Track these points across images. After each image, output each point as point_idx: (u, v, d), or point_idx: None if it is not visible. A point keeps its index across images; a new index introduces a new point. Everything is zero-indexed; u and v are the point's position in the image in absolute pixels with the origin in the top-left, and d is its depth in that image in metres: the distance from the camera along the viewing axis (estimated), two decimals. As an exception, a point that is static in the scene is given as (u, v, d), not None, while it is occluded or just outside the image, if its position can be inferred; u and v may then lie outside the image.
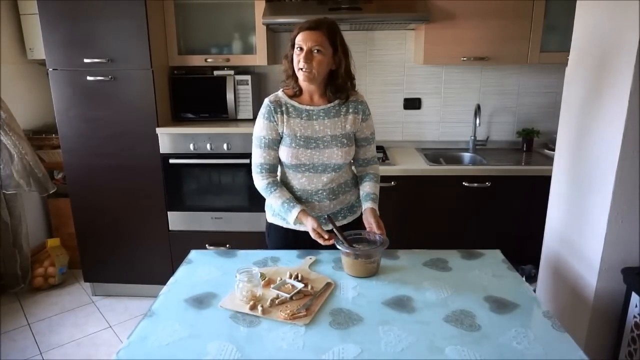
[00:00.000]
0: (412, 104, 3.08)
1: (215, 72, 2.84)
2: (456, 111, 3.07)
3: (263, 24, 2.59)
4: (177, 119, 2.90)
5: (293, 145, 1.62)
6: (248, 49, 2.81)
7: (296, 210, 1.59)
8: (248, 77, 2.81)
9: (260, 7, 2.65)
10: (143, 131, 2.67)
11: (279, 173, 1.74)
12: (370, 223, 1.58)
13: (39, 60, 3.03)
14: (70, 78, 2.62)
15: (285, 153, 1.63)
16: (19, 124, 2.83)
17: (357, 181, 1.78)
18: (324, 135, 1.63)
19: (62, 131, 2.70)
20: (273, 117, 1.62)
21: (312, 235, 1.54)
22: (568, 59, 1.83)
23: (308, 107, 1.64)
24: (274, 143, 1.65)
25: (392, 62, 3.02)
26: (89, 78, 2.60)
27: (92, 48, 2.57)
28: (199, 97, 2.87)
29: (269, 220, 1.79)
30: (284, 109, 1.63)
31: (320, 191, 1.66)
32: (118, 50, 2.56)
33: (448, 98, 3.06)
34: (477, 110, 2.90)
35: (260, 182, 1.66)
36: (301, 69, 1.55)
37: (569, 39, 1.82)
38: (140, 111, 2.64)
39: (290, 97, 1.66)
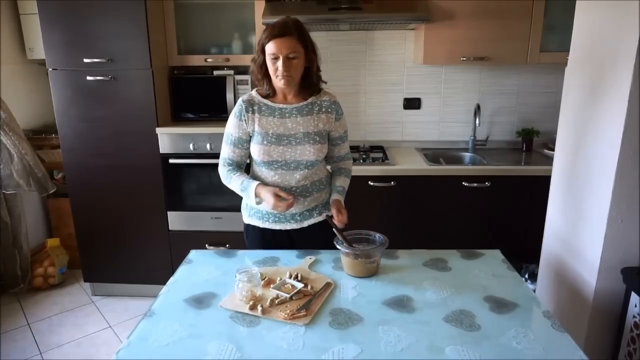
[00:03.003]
0: (412, 104, 3.08)
1: (215, 72, 2.84)
2: (456, 111, 3.07)
3: (263, 24, 2.58)
4: (177, 119, 2.90)
5: (264, 142, 1.64)
6: (248, 49, 2.81)
7: (253, 185, 1.61)
8: (248, 77, 2.81)
9: (260, 7, 2.65)
10: (143, 131, 2.67)
11: (250, 172, 1.77)
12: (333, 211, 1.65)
13: (39, 60, 3.03)
14: (70, 78, 2.62)
15: (256, 150, 1.65)
16: (19, 124, 2.83)
17: (331, 179, 1.81)
18: (296, 132, 1.64)
19: (62, 131, 2.70)
20: (244, 116, 1.65)
21: (273, 203, 1.54)
22: (568, 59, 1.83)
23: (281, 106, 1.66)
24: (240, 142, 1.68)
25: (392, 62, 3.02)
26: (88, 78, 2.60)
27: (92, 48, 2.57)
28: (198, 97, 2.86)
29: (246, 222, 1.82)
30: (256, 107, 1.66)
31: (294, 188, 1.67)
32: (118, 50, 2.56)
33: (448, 98, 3.06)
34: (477, 110, 2.90)
35: (222, 170, 1.71)
36: (279, 76, 1.57)
37: (569, 39, 1.81)
38: (140, 111, 2.64)
39: (264, 97, 1.68)
